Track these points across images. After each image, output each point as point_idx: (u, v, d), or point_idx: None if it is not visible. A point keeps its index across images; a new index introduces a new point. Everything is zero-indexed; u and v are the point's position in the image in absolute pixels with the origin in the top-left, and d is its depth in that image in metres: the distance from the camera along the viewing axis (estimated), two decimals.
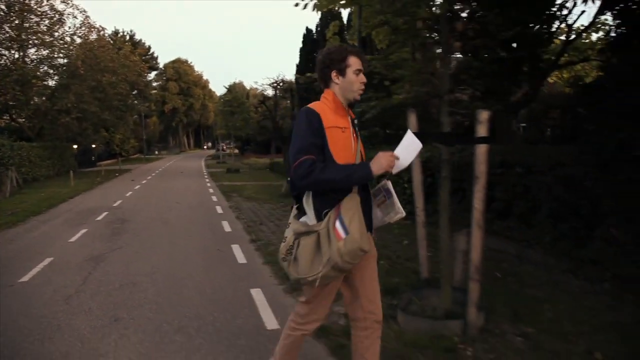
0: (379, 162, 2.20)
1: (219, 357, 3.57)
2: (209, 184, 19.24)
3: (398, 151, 2.31)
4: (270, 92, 27.11)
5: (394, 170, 2.27)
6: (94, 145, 34.52)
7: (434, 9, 3.43)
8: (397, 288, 4.84)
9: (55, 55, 24.22)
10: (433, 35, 3.72)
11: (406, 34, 3.72)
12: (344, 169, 2.20)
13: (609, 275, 5.14)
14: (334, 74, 2.37)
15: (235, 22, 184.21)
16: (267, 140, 43.47)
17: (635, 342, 3.60)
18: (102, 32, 26.25)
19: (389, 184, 2.40)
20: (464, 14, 3.79)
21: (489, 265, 5.83)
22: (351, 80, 2.36)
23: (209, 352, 3.65)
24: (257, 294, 5.01)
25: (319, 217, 2.24)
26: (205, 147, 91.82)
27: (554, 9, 7.81)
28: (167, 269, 6.16)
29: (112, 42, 34.86)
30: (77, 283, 5.53)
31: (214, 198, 14.42)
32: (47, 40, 24.40)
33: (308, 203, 2.27)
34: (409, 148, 2.33)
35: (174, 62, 77.94)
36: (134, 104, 31.32)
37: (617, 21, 6.57)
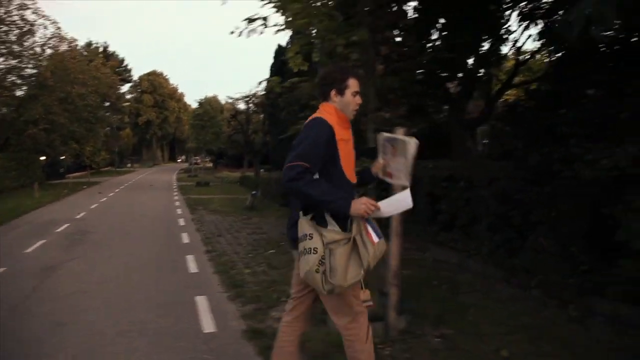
0: (358, 207, 2.22)
1: (155, 357, 3.75)
2: (176, 197, 19.29)
3: (385, 203, 2.34)
4: (242, 106, 27.37)
5: (372, 216, 2.31)
6: (62, 157, 34.08)
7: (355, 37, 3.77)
8: None
9: (24, 66, 23.99)
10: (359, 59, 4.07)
11: (336, 57, 4.04)
12: (327, 193, 2.22)
13: (536, 282, 5.48)
14: (333, 92, 2.45)
15: (213, 37, 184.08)
16: (239, 154, 43.55)
17: (541, 341, 3.92)
18: (73, 44, 26.14)
19: (385, 135, 2.57)
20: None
21: (430, 273, 6.17)
22: (348, 101, 2.45)
23: (147, 353, 3.83)
24: (201, 301, 5.21)
25: (342, 225, 2.29)
26: (179, 160, 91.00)
27: (502, 32, 8.33)
28: (119, 278, 6.30)
29: (84, 53, 34.65)
30: (26, 291, 5.62)
31: (179, 211, 14.52)
32: (16, 49, 24.19)
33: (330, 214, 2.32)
34: (397, 203, 2.37)
35: (149, 74, 77.59)
36: (105, 116, 31.03)
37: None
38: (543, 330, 4.18)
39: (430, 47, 4.63)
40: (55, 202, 17.46)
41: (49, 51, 25.78)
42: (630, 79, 4.13)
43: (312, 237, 2.28)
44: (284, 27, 4.16)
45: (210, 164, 55.12)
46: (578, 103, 4.49)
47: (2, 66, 24.11)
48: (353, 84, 2.46)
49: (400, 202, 2.35)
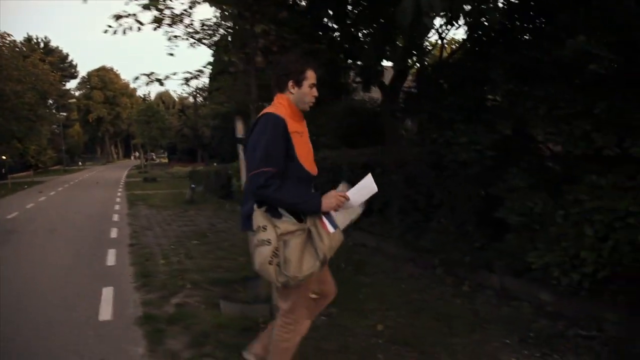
0: (329, 201, 2.25)
1: (40, 344, 3.81)
2: (119, 194, 18.95)
3: (352, 192, 2.37)
4: (191, 99, 27.03)
5: (343, 209, 2.34)
6: (4, 157, 32.77)
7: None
8: (230, 279, 5.22)
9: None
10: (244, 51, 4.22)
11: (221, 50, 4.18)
12: (297, 195, 2.26)
13: (439, 261, 5.77)
14: (290, 83, 2.39)
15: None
16: (193, 149, 43.00)
17: (419, 315, 4.18)
18: (7, 39, 25.09)
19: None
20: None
21: (342, 257, 6.39)
22: (305, 92, 2.41)
23: (33, 340, 3.89)
24: (107, 291, 5.26)
25: (296, 216, 2.29)
26: (132, 157, 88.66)
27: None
28: (31, 273, 6.26)
29: (21, 49, 33.27)
30: None
31: (117, 207, 14.31)
32: None
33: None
34: (363, 190, 2.38)
35: (98, 70, 75.06)
36: (47, 114, 29.95)
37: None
38: (425, 305, 4.44)
39: (328, 38, 4.81)
40: None
41: None
42: (496, 66, 4.45)
43: (265, 229, 2.26)
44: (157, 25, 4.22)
45: (165, 160, 54.05)
46: (457, 90, 4.79)
47: None
48: (311, 76, 2.41)
49: (366, 188, 2.37)
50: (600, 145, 3.61)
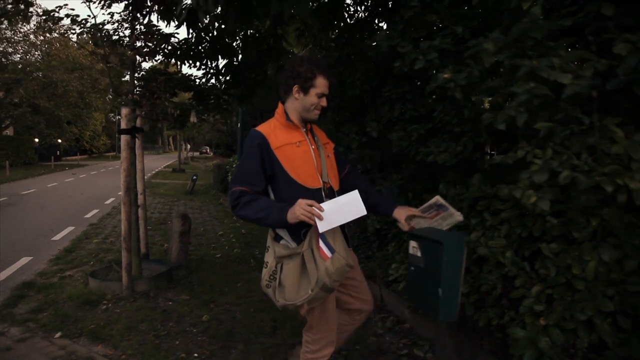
0: (293, 212, 1.98)
1: None
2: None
3: (330, 205, 2.02)
4: None
5: (320, 228, 1.98)
6: (59, 141, 35.30)
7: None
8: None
9: (12, 51, 25.10)
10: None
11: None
12: (262, 209, 2.05)
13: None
14: (295, 88, 2.17)
15: None
16: (229, 144, 44.16)
17: (259, 313, 4.37)
18: (67, 33, 27.02)
19: (441, 200, 2.28)
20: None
21: (257, 253, 6.61)
22: (311, 102, 2.17)
23: None
24: (24, 260, 5.86)
25: (297, 239, 2.14)
26: (183, 149, 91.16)
27: None
28: None
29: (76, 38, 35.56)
30: None
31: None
32: (8, 36, 25.32)
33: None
34: (347, 207, 2.03)
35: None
36: (98, 101, 31.90)
37: None
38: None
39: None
40: (22, 180, 18.34)
41: (40, 38, 26.76)
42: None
43: (268, 250, 2.24)
44: None
45: (211, 154, 55.95)
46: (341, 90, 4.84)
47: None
48: (321, 84, 2.16)
49: (350, 205, 2.03)
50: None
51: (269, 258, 2.19)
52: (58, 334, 3.65)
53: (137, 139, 4.97)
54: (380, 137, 4.18)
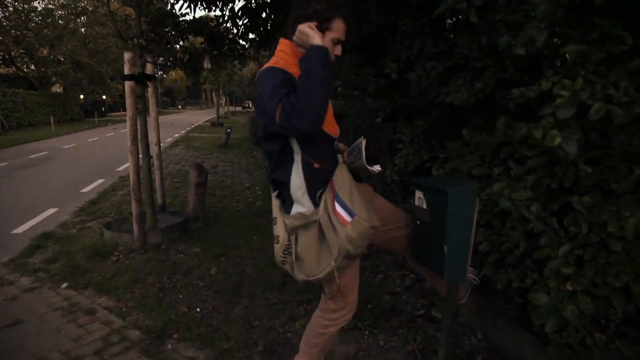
0: (305, 32, 1.69)
1: None
2: (176, 135, 20.16)
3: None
4: None
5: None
6: (104, 97, 36.15)
7: None
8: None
9: (53, 7, 25.31)
10: None
11: None
12: (307, 72, 1.59)
13: None
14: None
15: None
16: None
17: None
18: None
19: (363, 143, 1.97)
20: None
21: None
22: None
23: None
24: (48, 212, 5.91)
25: (314, 201, 1.82)
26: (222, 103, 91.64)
27: None
28: (22, 190, 7.12)
29: None
30: None
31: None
32: None
33: (297, 186, 1.82)
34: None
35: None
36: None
37: None
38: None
39: None
40: (65, 136, 18.88)
41: None
42: None
43: (276, 222, 1.92)
44: None
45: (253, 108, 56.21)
46: None
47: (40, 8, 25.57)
48: (338, 28, 1.79)
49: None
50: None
51: (279, 231, 1.89)
52: (65, 285, 3.60)
53: (148, 87, 4.77)
54: (400, 78, 3.77)
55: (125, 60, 4.19)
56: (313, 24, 1.71)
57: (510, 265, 2.47)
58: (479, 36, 2.23)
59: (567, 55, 1.60)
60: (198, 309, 3.18)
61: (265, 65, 1.79)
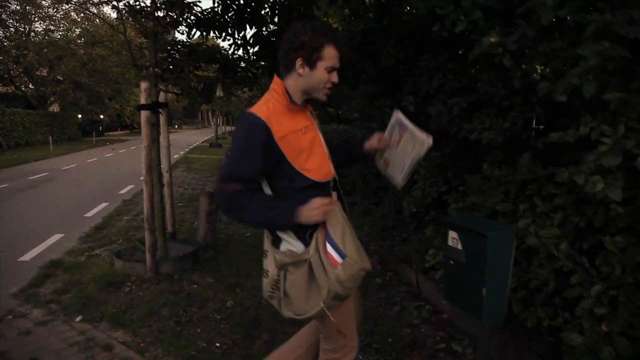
0: (309, 214, 1.68)
1: None
2: (175, 156, 20.15)
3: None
4: None
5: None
6: (102, 116, 36.19)
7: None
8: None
9: (53, 29, 25.54)
10: None
11: None
12: (267, 208, 1.72)
13: (375, 248, 5.57)
14: (299, 61, 1.75)
15: None
16: None
17: None
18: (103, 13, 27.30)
19: (401, 116, 1.95)
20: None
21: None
22: (320, 78, 1.77)
23: None
24: (54, 237, 5.89)
25: (304, 241, 1.77)
26: (220, 124, 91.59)
27: None
28: (24, 211, 7.07)
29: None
30: None
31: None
32: (50, 13, 25.81)
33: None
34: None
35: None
36: (134, 79, 32.30)
37: None
38: None
39: None
40: (64, 156, 18.83)
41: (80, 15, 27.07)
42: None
43: (266, 256, 1.88)
44: None
45: None
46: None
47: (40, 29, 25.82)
48: (330, 56, 1.75)
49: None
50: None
51: (269, 266, 1.85)
52: (79, 318, 3.55)
53: (160, 115, 4.79)
54: (418, 111, 3.81)
55: (142, 90, 4.22)
56: (328, 207, 1.69)
57: (539, 303, 2.46)
58: (510, 77, 2.26)
59: (608, 102, 1.62)
60: (217, 344, 3.14)
61: (250, 109, 1.75)
